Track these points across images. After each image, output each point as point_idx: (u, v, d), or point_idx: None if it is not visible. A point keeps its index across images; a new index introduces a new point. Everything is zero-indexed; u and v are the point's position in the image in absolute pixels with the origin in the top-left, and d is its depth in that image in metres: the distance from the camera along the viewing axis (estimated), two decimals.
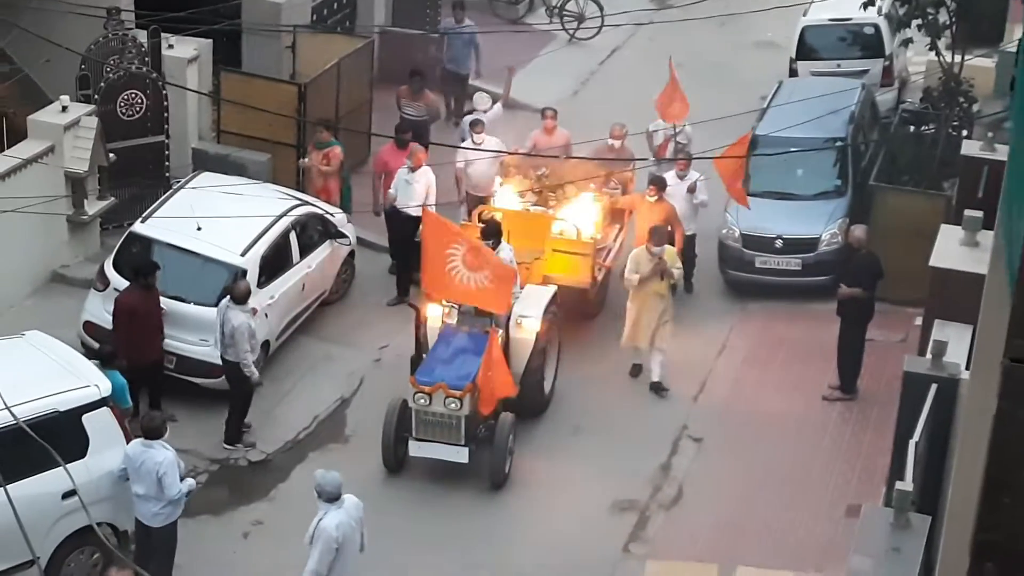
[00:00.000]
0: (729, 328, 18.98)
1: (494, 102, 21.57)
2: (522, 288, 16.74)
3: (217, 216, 16.76)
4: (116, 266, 16.99)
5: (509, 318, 16.28)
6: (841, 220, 19.47)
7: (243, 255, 16.79)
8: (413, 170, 18.57)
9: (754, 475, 16.04)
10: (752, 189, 19.98)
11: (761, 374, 17.92)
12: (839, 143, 20.34)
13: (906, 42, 22.83)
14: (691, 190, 18.76)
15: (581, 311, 18.16)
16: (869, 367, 17.49)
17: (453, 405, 15.29)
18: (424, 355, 16.10)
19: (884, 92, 23.46)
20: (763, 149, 20.13)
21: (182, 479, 13.48)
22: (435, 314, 16.31)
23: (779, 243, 19.52)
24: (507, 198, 18.59)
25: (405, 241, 18.63)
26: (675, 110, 20.02)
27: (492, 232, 16.69)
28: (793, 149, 19.55)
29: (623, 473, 16.08)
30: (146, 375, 15.85)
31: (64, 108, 18.16)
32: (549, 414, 16.82)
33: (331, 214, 18.65)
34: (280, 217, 17.64)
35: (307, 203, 18.56)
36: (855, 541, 8.68)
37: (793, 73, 23.96)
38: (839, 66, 23.72)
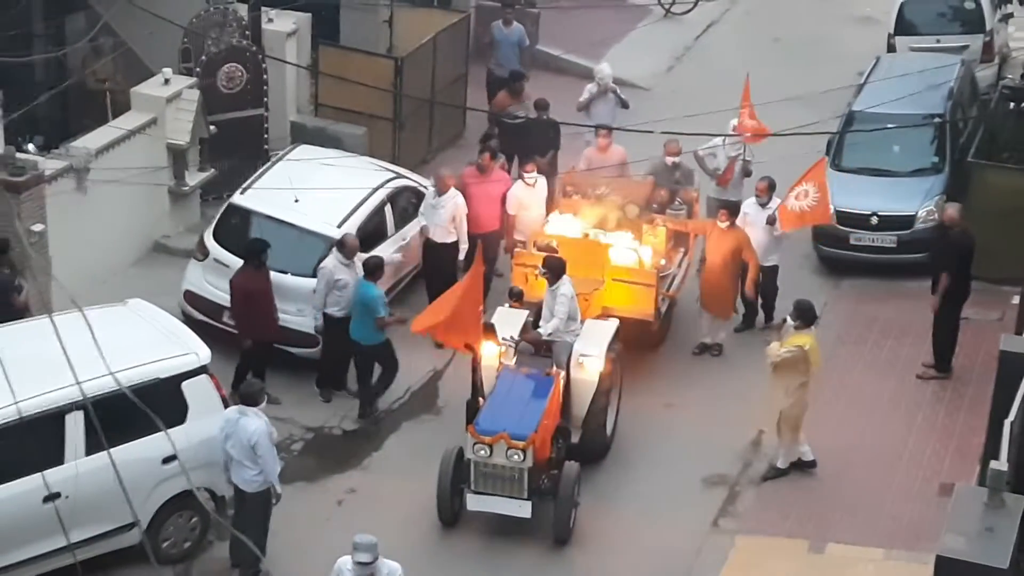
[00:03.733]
0: (822, 305, 18.85)
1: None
2: (582, 323, 15.67)
3: (314, 188, 16.97)
4: (216, 237, 17.25)
5: (570, 357, 15.26)
6: (938, 197, 19.28)
7: (339, 227, 16.96)
8: (440, 194, 17.51)
9: (845, 452, 15.96)
10: (848, 165, 19.93)
11: (854, 351, 17.82)
12: (937, 119, 20.13)
13: (1007, 17, 22.51)
14: (771, 221, 17.50)
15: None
16: (964, 346, 17.33)
17: (516, 457, 14.09)
18: (481, 400, 14.83)
19: (984, 68, 23.16)
20: (860, 125, 20.00)
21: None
22: (491, 353, 15.01)
23: (874, 220, 19.36)
24: (564, 223, 17.34)
25: (440, 270, 17.53)
26: (756, 132, 18.53)
27: (555, 269, 15.52)
28: (890, 125, 19.38)
29: (713, 448, 16.09)
30: (261, 352, 16.05)
31: (166, 81, 18.45)
32: (641, 390, 16.80)
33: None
34: (376, 190, 17.80)
35: (402, 176, 18.71)
36: (948, 520, 8.65)
37: (891, 48, 23.71)
38: (938, 41, 23.43)
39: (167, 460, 13.30)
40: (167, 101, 18.31)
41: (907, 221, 19.33)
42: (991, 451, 10.38)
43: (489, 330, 14.95)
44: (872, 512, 15.09)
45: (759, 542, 14.80)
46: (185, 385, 13.73)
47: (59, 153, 17.27)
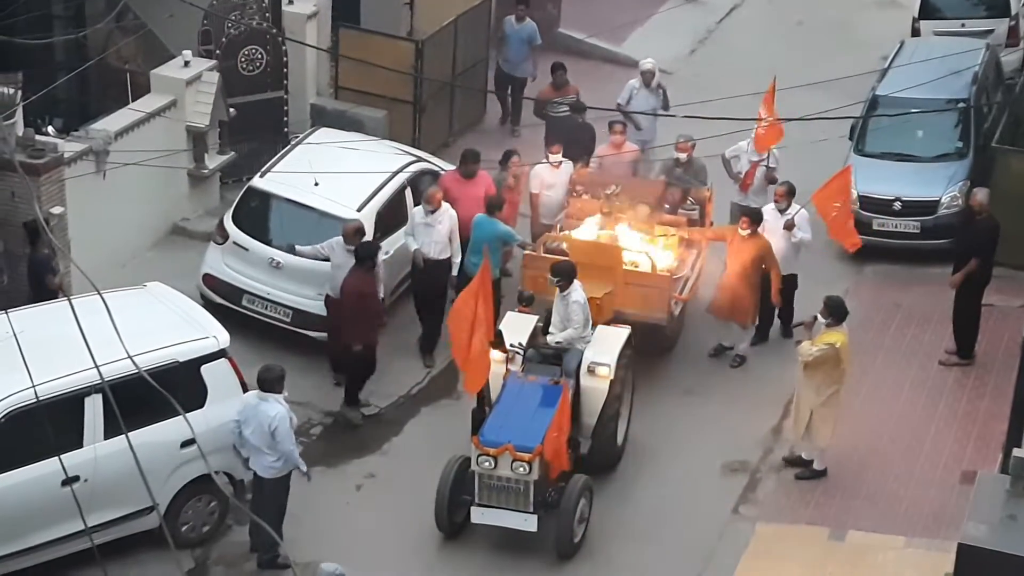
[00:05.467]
0: (844, 291, 18.71)
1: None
2: (593, 329, 15.24)
3: (334, 171, 16.93)
4: (235, 220, 17.23)
5: (580, 364, 14.82)
6: (962, 183, 19.18)
7: (359, 210, 16.92)
8: (433, 211, 16.70)
9: (867, 439, 15.90)
10: (871, 150, 19.82)
11: (876, 338, 17.74)
12: (961, 104, 20.01)
13: None
14: (788, 227, 16.83)
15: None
16: (987, 332, 17.24)
17: (521, 469, 13.69)
18: (487, 409, 14.44)
19: (1009, 52, 23.03)
20: (884, 110, 19.90)
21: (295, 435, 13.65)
22: (497, 359, 14.57)
23: (898, 205, 19.27)
24: (576, 224, 16.98)
25: (433, 287, 16.90)
26: (767, 137, 18.06)
27: (565, 274, 15.09)
28: (914, 110, 19.27)
29: (734, 435, 16.04)
30: (355, 355, 15.87)
31: (186, 63, 18.42)
32: (661, 377, 16.76)
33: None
34: (396, 173, 17.75)
35: (422, 159, 18.66)
36: (970, 507, 8.62)
37: (916, 32, 23.57)
38: (963, 26, 23.31)
39: (186, 444, 13.33)
40: (187, 83, 18.28)
41: (931, 207, 19.23)
42: (1014, 438, 10.35)
43: (497, 337, 14.53)
44: (893, 499, 15.05)
45: (779, 529, 14.76)
46: (204, 369, 13.73)
47: (79, 135, 17.26)
